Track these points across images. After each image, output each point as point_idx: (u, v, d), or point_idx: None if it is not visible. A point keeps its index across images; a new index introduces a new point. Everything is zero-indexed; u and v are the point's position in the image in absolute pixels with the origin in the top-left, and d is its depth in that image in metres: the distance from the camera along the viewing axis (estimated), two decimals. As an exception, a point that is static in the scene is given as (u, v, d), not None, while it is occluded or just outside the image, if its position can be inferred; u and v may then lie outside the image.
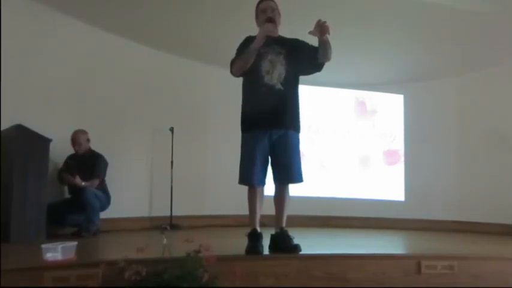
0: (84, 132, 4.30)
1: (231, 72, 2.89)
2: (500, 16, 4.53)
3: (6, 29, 3.94)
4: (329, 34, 2.70)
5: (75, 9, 4.44)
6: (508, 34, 4.81)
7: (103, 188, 4.24)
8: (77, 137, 4.25)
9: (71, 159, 4.30)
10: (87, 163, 4.20)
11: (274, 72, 2.81)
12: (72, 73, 4.49)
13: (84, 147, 4.27)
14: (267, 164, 2.86)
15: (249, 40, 2.86)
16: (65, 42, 4.50)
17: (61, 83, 4.41)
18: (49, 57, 4.35)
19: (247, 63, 2.79)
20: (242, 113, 2.91)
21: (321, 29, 2.69)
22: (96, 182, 4.18)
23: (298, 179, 2.87)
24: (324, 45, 2.76)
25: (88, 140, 4.30)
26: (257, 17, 2.95)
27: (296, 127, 2.91)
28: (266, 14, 2.86)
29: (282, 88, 2.81)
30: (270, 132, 2.81)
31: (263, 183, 2.86)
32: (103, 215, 4.19)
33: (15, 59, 4.09)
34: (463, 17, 4.57)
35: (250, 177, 2.79)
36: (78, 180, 4.08)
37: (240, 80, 2.97)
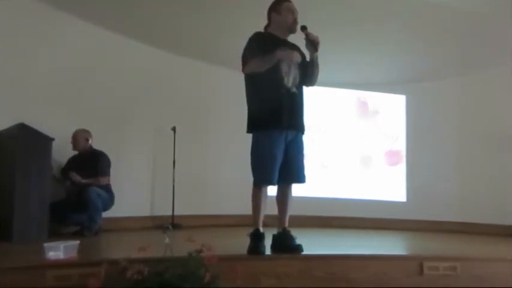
0: (84, 131, 4.30)
1: (243, 70, 2.86)
2: (503, 16, 4.52)
3: (7, 28, 3.95)
4: (316, 49, 2.81)
5: (77, 8, 4.44)
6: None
7: (107, 187, 4.25)
8: (74, 134, 4.27)
9: (73, 159, 4.31)
10: (88, 162, 4.21)
11: (290, 75, 2.85)
12: (75, 72, 4.49)
13: (83, 146, 4.27)
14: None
15: (262, 38, 2.86)
16: (67, 41, 4.50)
17: (63, 82, 4.42)
18: (50, 56, 4.35)
19: (263, 67, 2.78)
20: (258, 113, 2.85)
21: (312, 45, 2.79)
22: (102, 179, 4.18)
23: (303, 179, 2.93)
24: (312, 63, 2.86)
25: (86, 140, 4.29)
26: (279, 13, 2.91)
27: (304, 129, 2.96)
28: (294, 15, 2.88)
29: (296, 92, 2.86)
30: (286, 134, 2.84)
31: (276, 183, 2.88)
32: (105, 214, 4.19)
33: (16, 58, 4.10)
34: (465, 17, 4.57)
35: (272, 179, 2.80)
36: (76, 177, 4.08)
37: (242, 79, 2.97)
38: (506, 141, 5.36)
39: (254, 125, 2.87)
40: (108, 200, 4.21)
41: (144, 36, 4.96)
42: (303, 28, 2.83)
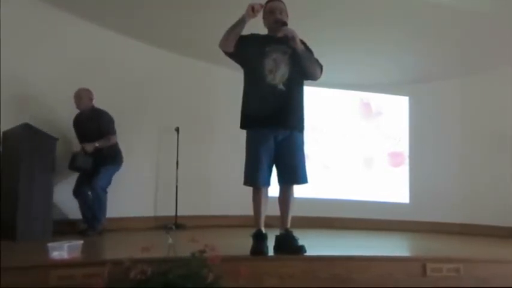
0: (87, 90, 4.28)
1: (219, 44, 2.85)
2: (507, 18, 4.51)
3: (9, 28, 3.97)
4: (295, 44, 2.74)
5: (80, 8, 4.46)
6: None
7: (115, 147, 4.27)
8: (78, 92, 4.23)
9: (77, 122, 4.28)
10: (91, 121, 4.20)
11: (278, 72, 2.81)
12: (78, 73, 4.50)
13: (86, 104, 4.24)
14: (272, 165, 2.86)
15: (249, 36, 2.87)
16: (70, 41, 4.51)
17: (65, 82, 4.41)
18: (52, 56, 4.36)
19: (229, 36, 2.76)
20: (244, 110, 2.89)
21: (288, 40, 2.75)
22: (110, 138, 4.19)
23: (303, 180, 2.88)
24: (301, 57, 2.80)
25: (90, 99, 4.27)
26: (264, 16, 2.92)
27: (300, 128, 2.91)
28: (274, 15, 2.85)
29: (284, 89, 2.80)
30: (275, 133, 2.81)
31: (268, 184, 2.86)
32: (108, 214, 4.20)
33: (18, 58, 4.11)
34: (468, 18, 4.56)
35: (255, 179, 2.79)
36: (89, 147, 4.05)
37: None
38: (509, 142, 5.34)
39: (242, 123, 2.90)
40: (116, 163, 4.24)
41: (146, 36, 4.96)
42: (281, 24, 2.80)
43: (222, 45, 2.83)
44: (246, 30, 2.90)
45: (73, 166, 4.06)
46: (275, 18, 2.84)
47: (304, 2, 4.05)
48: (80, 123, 4.28)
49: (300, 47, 2.80)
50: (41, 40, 4.32)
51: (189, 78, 5.27)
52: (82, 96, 4.23)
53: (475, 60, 5.35)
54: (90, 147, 4.07)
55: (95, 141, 4.11)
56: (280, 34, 2.75)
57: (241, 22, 2.74)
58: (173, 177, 4.89)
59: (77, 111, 4.30)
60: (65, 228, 4.05)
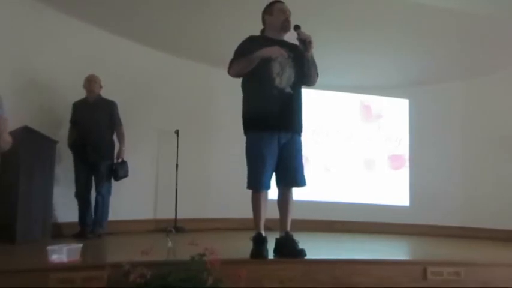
0: (98, 77, 4.34)
1: (229, 72, 2.87)
2: (506, 18, 4.52)
3: (9, 30, 3.97)
4: (310, 49, 2.75)
5: (81, 11, 4.46)
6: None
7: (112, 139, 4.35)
8: (92, 78, 4.27)
9: (83, 108, 4.26)
10: (100, 109, 4.24)
11: (284, 75, 2.81)
12: (78, 74, 4.49)
13: (98, 91, 4.30)
14: (274, 168, 2.86)
15: (251, 40, 2.86)
16: (69, 43, 4.52)
17: (66, 85, 4.42)
18: (52, 58, 4.36)
19: (247, 68, 2.78)
20: (249, 114, 2.87)
21: (305, 45, 2.75)
22: (121, 129, 4.31)
23: (303, 182, 2.88)
24: (307, 62, 2.80)
25: (101, 86, 4.34)
26: (271, 14, 2.91)
27: (300, 130, 2.92)
28: (285, 15, 2.86)
29: (291, 91, 2.81)
30: (278, 136, 2.80)
31: (269, 186, 2.85)
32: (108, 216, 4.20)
33: (18, 60, 4.11)
34: (468, 21, 4.57)
35: (261, 182, 2.78)
36: (122, 155, 4.25)
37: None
38: (510, 145, 5.34)
39: (246, 125, 2.88)
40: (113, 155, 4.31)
41: (148, 39, 4.97)
42: (296, 27, 2.80)
43: (239, 75, 2.86)
44: (245, 30, 2.90)
45: (118, 178, 4.23)
46: (287, 18, 2.85)
47: (304, 3, 4.05)
48: (86, 109, 4.24)
49: (311, 53, 2.81)
50: (41, 42, 4.32)
51: (189, 80, 5.27)
52: (97, 80, 4.30)
53: (475, 62, 5.36)
54: (124, 153, 4.23)
55: (103, 129, 4.20)
56: (302, 36, 2.77)
57: (257, 60, 2.74)
58: (173, 180, 4.88)
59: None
60: (64, 231, 4.05)
